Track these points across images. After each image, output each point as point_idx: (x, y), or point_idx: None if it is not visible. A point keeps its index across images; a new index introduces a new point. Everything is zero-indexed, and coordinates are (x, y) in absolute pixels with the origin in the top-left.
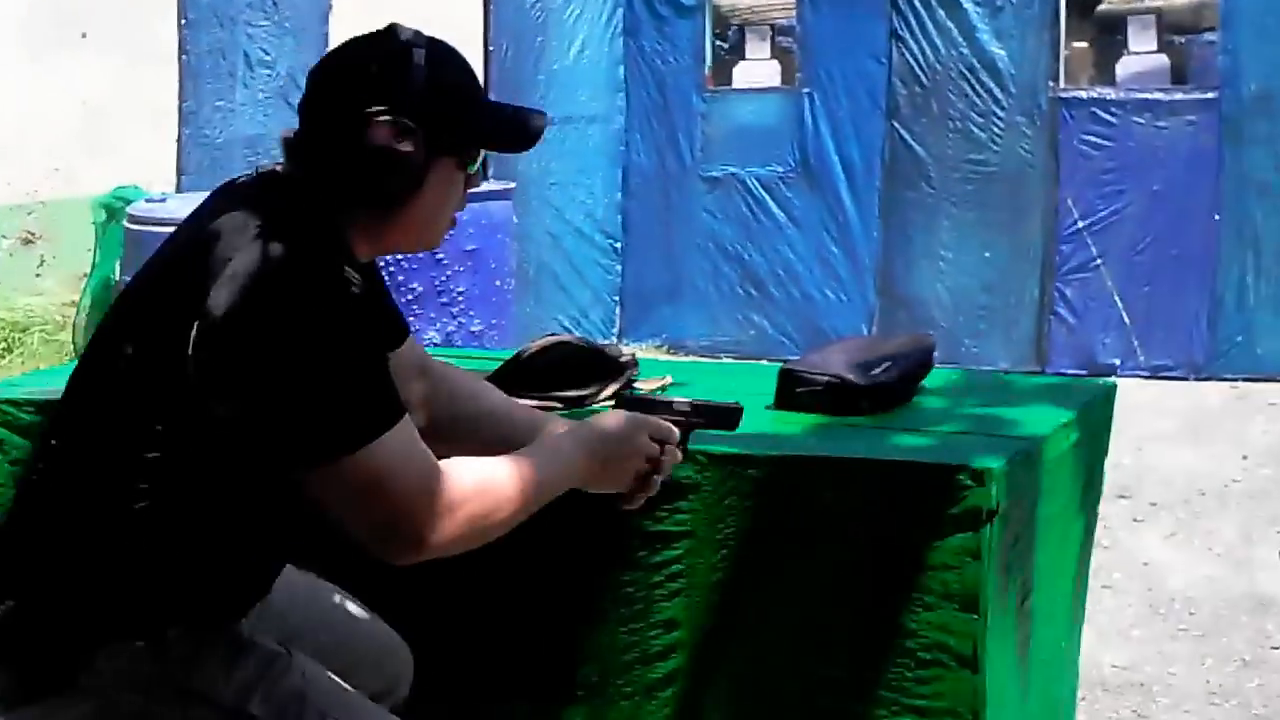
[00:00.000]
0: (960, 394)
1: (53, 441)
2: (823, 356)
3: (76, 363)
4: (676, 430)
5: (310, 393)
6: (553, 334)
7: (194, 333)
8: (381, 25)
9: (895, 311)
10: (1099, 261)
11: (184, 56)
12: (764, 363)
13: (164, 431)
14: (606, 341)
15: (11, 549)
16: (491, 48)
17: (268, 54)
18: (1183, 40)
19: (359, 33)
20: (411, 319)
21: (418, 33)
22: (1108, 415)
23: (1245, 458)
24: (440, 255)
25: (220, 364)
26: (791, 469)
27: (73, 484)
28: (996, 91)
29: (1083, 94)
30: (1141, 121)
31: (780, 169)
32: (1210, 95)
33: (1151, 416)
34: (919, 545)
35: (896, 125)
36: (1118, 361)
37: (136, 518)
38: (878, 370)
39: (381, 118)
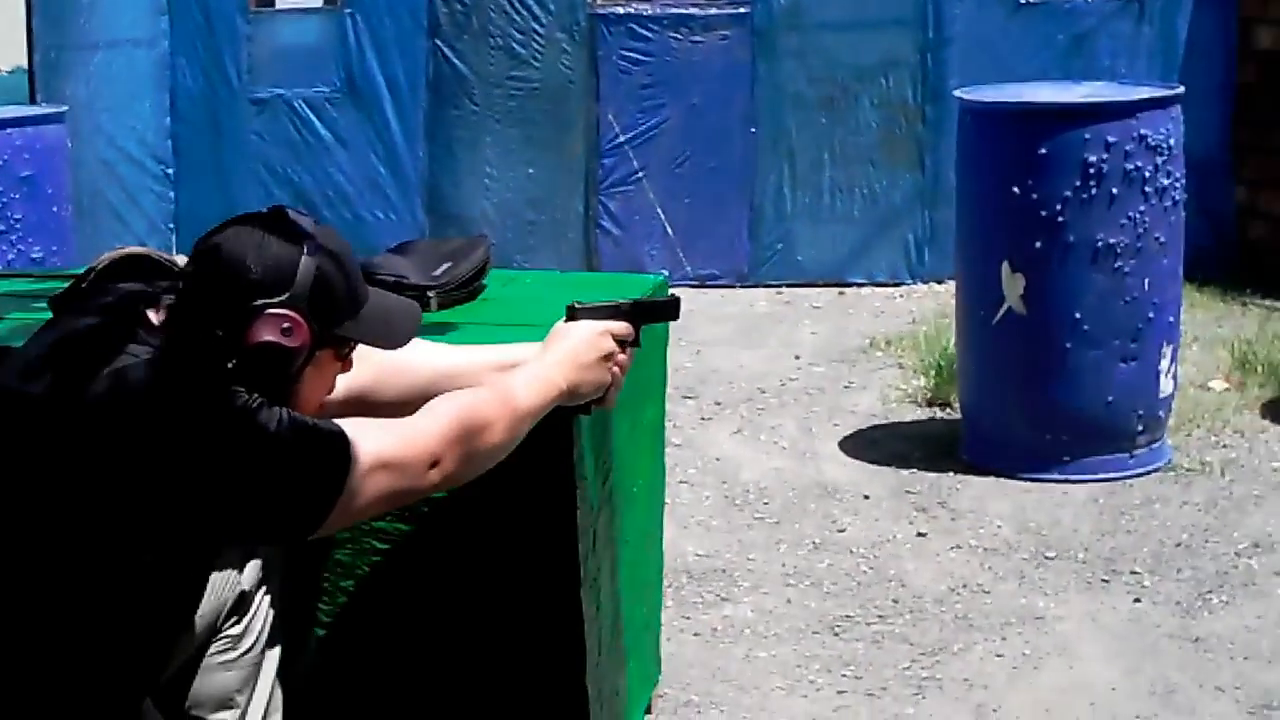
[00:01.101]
0: (522, 290)
1: None
2: (387, 258)
3: None
4: (631, 328)
5: (270, 477)
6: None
7: (128, 493)
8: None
9: (444, 229)
10: (641, 175)
11: None
12: None
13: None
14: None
15: None
16: None
17: None
18: None
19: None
20: None
21: (304, 217)
22: None
23: (798, 357)
24: None
25: (186, 496)
26: None
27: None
28: (536, 9)
29: (620, 10)
30: (677, 36)
31: (326, 90)
32: (742, 10)
33: (706, 323)
34: None
35: (439, 43)
36: (666, 272)
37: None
38: (439, 270)
39: (268, 311)
